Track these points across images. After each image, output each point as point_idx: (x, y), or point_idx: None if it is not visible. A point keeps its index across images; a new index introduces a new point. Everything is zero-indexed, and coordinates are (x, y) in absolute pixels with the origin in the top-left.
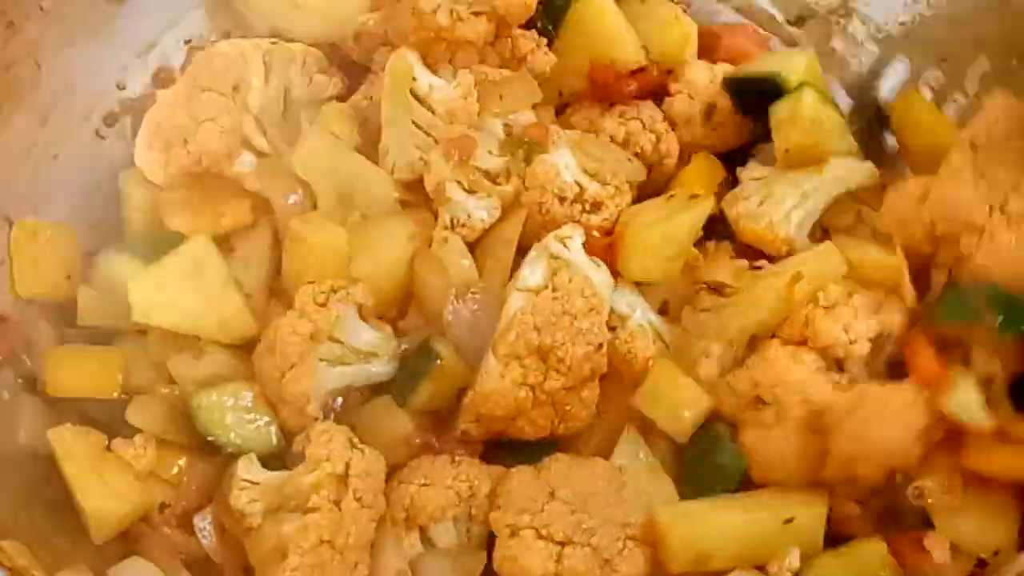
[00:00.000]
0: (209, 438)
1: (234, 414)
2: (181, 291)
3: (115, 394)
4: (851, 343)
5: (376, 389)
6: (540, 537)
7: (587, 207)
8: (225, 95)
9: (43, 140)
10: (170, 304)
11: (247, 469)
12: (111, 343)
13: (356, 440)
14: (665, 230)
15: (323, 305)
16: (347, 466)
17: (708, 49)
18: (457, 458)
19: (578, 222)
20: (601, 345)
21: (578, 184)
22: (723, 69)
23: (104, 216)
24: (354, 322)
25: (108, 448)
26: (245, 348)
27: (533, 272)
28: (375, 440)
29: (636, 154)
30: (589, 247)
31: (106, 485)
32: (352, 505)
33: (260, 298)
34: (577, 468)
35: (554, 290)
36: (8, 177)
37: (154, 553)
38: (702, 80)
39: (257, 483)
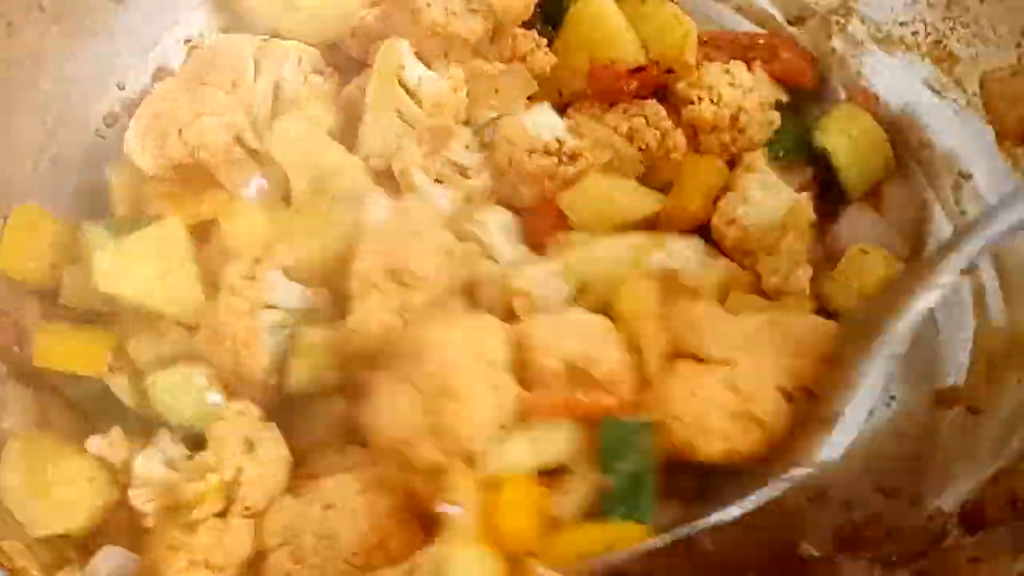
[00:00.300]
0: (163, 417)
1: (187, 394)
2: (143, 264)
3: (104, 368)
4: (547, 357)
5: None
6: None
7: (564, 159)
8: (224, 90)
9: (43, 140)
10: (130, 275)
11: (143, 466)
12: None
13: (255, 437)
14: (612, 188)
15: (252, 278)
16: (239, 471)
17: (763, 59)
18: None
19: (553, 174)
20: (451, 252)
21: (558, 141)
22: (740, 68)
23: (104, 216)
24: (284, 285)
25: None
26: None
27: (375, 214)
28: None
29: (640, 149)
30: (541, 219)
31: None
32: (237, 518)
33: None
34: (337, 520)
35: (395, 217)
36: (8, 177)
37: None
38: (721, 84)
39: (152, 482)
